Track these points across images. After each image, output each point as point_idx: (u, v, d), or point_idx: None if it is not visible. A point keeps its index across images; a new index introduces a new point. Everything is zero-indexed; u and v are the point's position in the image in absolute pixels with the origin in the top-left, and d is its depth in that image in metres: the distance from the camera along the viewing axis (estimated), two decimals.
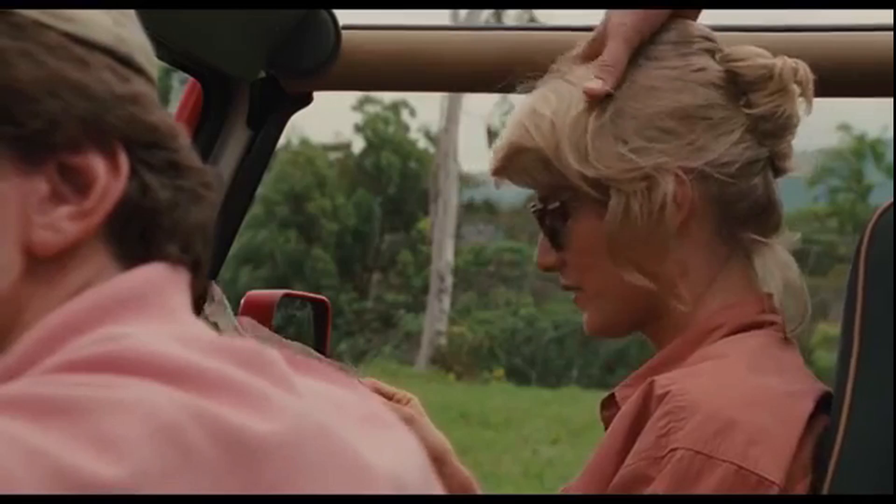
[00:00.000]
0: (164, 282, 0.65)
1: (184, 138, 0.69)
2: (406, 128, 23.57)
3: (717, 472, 1.06)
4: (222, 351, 0.59)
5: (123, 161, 0.64)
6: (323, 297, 1.78)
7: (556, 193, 1.22)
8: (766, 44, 1.25)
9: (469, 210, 22.56)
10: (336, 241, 21.42)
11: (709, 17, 1.28)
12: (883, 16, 1.52)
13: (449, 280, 19.54)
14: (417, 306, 20.64)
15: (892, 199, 1.15)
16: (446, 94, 21.68)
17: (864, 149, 20.70)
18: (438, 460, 1.28)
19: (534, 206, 1.26)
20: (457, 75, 1.54)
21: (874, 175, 20.87)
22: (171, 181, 0.66)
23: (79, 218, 0.63)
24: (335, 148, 23.35)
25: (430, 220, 20.61)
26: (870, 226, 1.14)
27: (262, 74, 1.52)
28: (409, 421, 1.30)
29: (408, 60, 1.53)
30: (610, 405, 1.24)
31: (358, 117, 23.16)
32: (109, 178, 0.64)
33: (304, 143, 22.11)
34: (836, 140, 20.53)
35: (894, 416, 1.09)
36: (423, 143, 23.63)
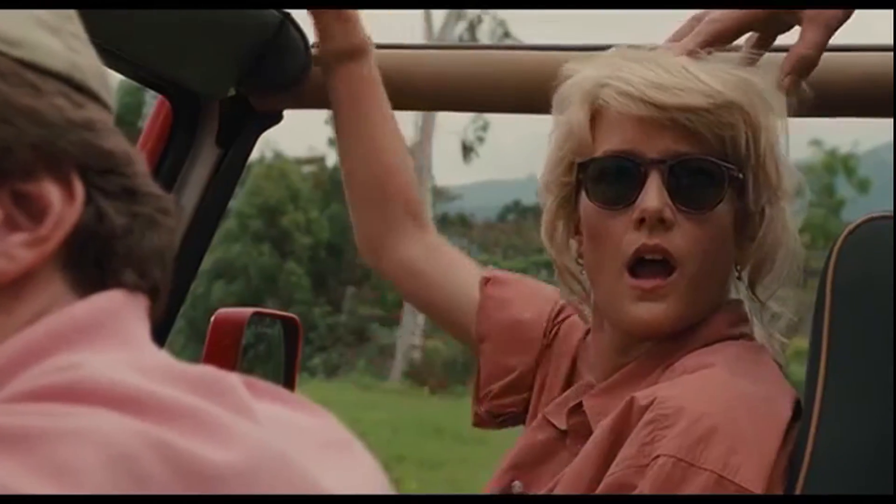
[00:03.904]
0: (120, 309, 0.64)
1: (140, 164, 0.68)
2: None
3: (699, 480, 1.06)
4: (180, 378, 0.59)
5: (78, 187, 0.63)
6: (293, 315, 1.77)
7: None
8: (762, 63, 1.25)
9: (443, 224, 22.57)
10: (310, 254, 21.40)
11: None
12: (882, 30, 1.52)
13: None
14: (391, 320, 20.63)
15: (859, 218, 1.15)
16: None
17: (835, 164, 20.86)
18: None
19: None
20: (429, 94, 1.54)
21: (845, 190, 21.03)
22: (127, 207, 0.65)
23: (33, 245, 0.62)
24: (309, 161, 23.36)
25: None
26: (837, 245, 1.14)
27: (232, 92, 1.51)
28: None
29: (402, 80, 1.52)
30: (577, 412, 1.24)
31: (332, 131, 23.14)
32: (64, 205, 0.63)
33: (278, 156, 22.12)
34: (808, 155, 20.70)
35: (861, 432, 1.10)
36: None
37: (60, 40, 0.66)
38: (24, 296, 0.63)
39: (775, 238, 1.23)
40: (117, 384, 0.56)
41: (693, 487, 1.06)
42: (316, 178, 22.49)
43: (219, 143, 1.54)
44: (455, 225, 23.35)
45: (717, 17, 1.24)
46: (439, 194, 21.59)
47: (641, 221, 1.18)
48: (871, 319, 1.11)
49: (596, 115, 1.22)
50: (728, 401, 1.11)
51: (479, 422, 1.44)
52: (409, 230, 1.44)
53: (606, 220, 1.20)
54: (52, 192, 0.62)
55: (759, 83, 1.21)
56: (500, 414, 1.41)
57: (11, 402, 0.55)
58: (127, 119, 17.47)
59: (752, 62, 1.24)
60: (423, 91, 1.53)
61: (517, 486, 1.27)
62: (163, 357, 0.64)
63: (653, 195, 1.17)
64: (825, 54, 1.25)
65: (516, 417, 1.40)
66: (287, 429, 0.61)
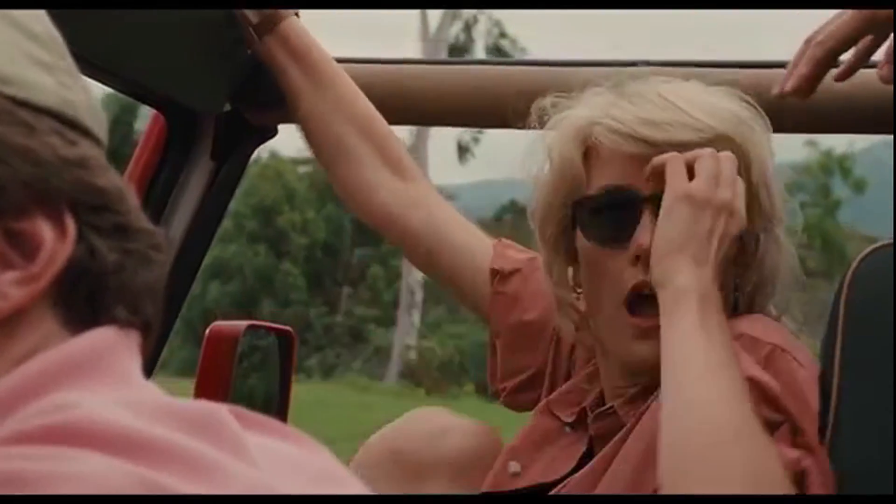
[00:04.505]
0: (112, 346, 0.64)
1: (133, 199, 0.68)
2: None
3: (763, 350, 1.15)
4: (173, 416, 0.59)
5: (70, 225, 0.63)
6: (287, 328, 1.77)
7: None
8: (762, 80, 1.25)
9: None
10: (306, 255, 21.39)
11: (702, 53, 1.28)
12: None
13: (419, 295, 19.55)
14: (387, 321, 20.64)
15: (871, 247, 1.15)
16: None
17: (831, 164, 20.88)
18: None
19: None
20: (423, 109, 1.54)
21: (841, 190, 21.05)
22: (120, 244, 0.65)
23: (25, 283, 0.62)
24: (305, 161, 23.30)
25: None
26: (850, 271, 1.14)
27: (228, 107, 1.51)
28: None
29: (373, 93, 1.53)
30: (606, 416, 1.25)
31: None
32: (56, 243, 0.63)
33: (274, 156, 22.10)
34: (804, 155, 20.72)
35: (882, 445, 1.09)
36: None
37: (53, 77, 0.66)
38: (17, 334, 0.62)
39: (773, 261, 1.24)
40: (111, 426, 0.56)
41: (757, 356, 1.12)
42: (312, 178, 22.47)
43: (214, 157, 1.54)
44: None
45: (821, 39, 1.20)
46: None
47: (638, 258, 1.19)
48: (885, 348, 1.11)
49: (589, 153, 1.23)
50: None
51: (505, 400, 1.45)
52: (387, 181, 1.44)
53: (603, 257, 1.22)
54: (44, 229, 0.62)
55: (748, 114, 1.22)
56: (517, 405, 1.43)
57: (5, 444, 0.55)
58: (123, 119, 17.45)
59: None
60: (416, 105, 1.53)
61: (513, 467, 1.28)
62: (156, 394, 0.64)
63: (647, 232, 1.18)
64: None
65: (532, 408, 1.40)
66: (279, 463, 0.61)
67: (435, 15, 22.54)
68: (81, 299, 0.64)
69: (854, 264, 1.14)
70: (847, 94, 1.34)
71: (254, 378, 1.72)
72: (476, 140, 22.66)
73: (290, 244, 21.17)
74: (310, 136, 1.46)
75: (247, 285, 20.60)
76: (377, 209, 1.44)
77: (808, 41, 1.23)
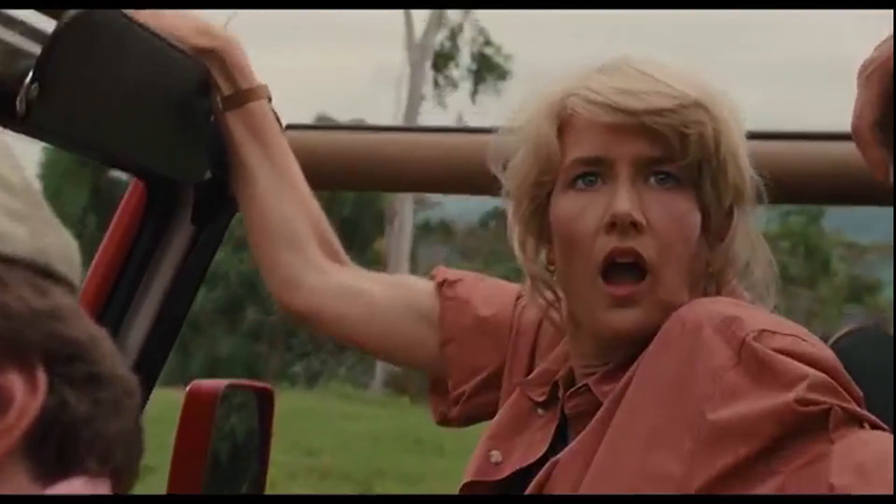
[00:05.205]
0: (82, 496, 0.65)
1: (106, 345, 0.68)
2: None
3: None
4: None
5: (42, 378, 0.63)
6: (267, 386, 1.77)
7: None
8: (762, 151, 1.26)
9: (424, 231, 22.56)
10: None
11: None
12: None
13: None
14: None
15: (847, 328, 1.16)
16: (401, 111, 21.71)
17: None
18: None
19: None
20: (398, 176, 1.55)
21: None
22: (91, 394, 0.65)
23: None
24: None
25: (386, 241, 20.57)
26: None
27: (209, 175, 1.51)
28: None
29: (350, 160, 1.54)
30: (581, 394, 1.23)
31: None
32: (27, 395, 0.63)
33: None
34: None
35: None
36: None
37: (27, 226, 0.66)
38: None
39: (747, 239, 1.25)
40: None
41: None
42: None
43: (194, 221, 1.54)
44: (437, 232, 23.32)
45: (868, 74, 1.12)
46: (420, 202, 21.55)
47: (613, 225, 1.18)
48: None
49: (563, 126, 1.23)
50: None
51: (447, 421, 1.45)
52: (327, 267, 1.46)
53: (578, 225, 1.20)
54: (15, 383, 0.62)
55: (717, 89, 1.23)
56: (473, 415, 1.42)
57: None
58: None
59: None
60: (392, 172, 1.55)
61: (495, 456, 1.27)
62: None
63: (623, 199, 1.17)
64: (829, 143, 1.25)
65: (490, 414, 1.39)
66: None
67: (420, 22, 22.52)
68: (52, 452, 0.64)
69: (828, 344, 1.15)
70: (846, 166, 1.36)
71: (232, 440, 1.72)
72: None
73: None
74: (254, 216, 1.46)
75: (232, 292, 20.52)
76: (309, 297, 1.45)
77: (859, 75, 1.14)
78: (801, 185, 1.44)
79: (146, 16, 1.31)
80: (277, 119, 1.49)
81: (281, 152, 1.47)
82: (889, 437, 1.04)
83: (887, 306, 20.10)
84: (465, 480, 1.28)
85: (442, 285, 1.43)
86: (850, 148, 1.18)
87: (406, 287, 1.47)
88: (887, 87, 1.10)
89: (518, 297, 1.41)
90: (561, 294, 1.28)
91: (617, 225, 1.17)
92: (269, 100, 1.47)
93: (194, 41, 1.39)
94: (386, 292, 1.46)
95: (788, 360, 1.06)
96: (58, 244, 0.68)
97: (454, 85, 23.54)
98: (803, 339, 1.10)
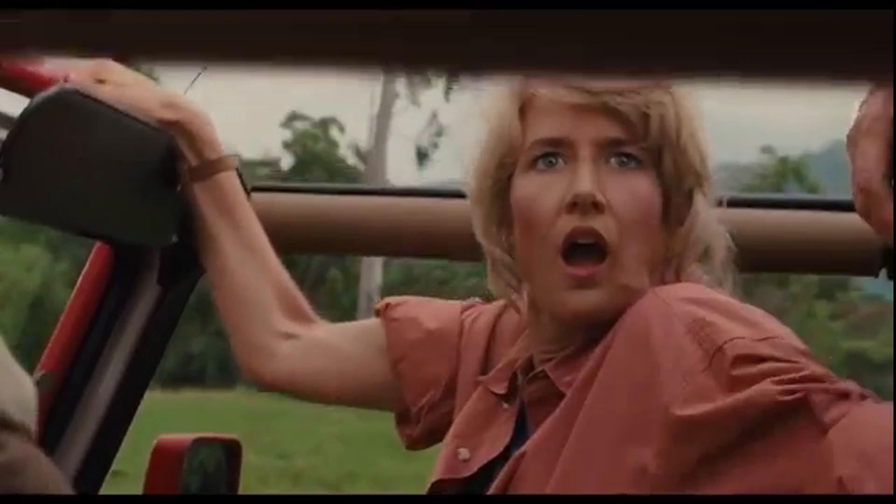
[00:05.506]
0: None
1: (64, 487, 0.69)
2: (335, 144, 23.53)
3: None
4: None
5: None
6: (234, 437, 1.78)
7: None
8: (752, 221, 1.28)
9: None
10: None
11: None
12: None
13: (377, 299, 19.48)
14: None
15: None
16: (375, 109, 21.67)
17: (786, 170, 21.05)
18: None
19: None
20: (363, 239, 1.56)
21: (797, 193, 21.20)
22: None
23: None
24: (264, 164, 23.22)
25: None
26: None
27: (175, 239, 1.51)
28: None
29: (316, 223, 1.55)
30: (538, 380, 1.22)
31: (287, 134, 23.08)
32: None
33: None
34: (763, 161, 20.89)
35: None
36: (352, 160, 23.61)
37: None
38: None
39: (706, 224, 1.23)
40: None
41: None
42: (270, 180, 22.37)
43: (161, 282, 1.55)
44: None
45: (868, 127, 1.04)
46: None
47: (574, 206, 1.17)
48: None
49: (525, 107, 1.22)
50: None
51: (414, 443, 1.44)
52: (295, 331, 1.47)
53: (538, 206, 1.20)
54: None
55: None
56: (436, 429, 1.40)
57: None
58: None
59: None
60: (355, 234, 1.56)
61: (463, 453, 1.27)
62: None
63: (585, 179, 1.17)
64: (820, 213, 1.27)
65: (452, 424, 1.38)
66: None
67: None
68: None
69: None
70: (834, 236, 1.38)
71: (200, 494, 1.72)
72: (436, 145, 22.66)
73: None
74: (221, 285, 1.48)
75: (204, 289, 20.48)
76: (281, 365, 1.46)
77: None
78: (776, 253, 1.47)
79: (111, 91, 1.31)
80: (243, 184, 1.50)
81: (246, 222, 1.48)
82: (881, 408, 1.02)
83: (859, 302, 20.23)
84: (433, 479, 1.27)
85: (385, 310, 1.44)
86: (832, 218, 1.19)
87: (363, 328, 1.48)
88: (891, 137, 1.02)
89: (464, 310, 1.41)
90: (522, 279, 1.26)
91: (578, 205, 1.17)
92: (237, 170, 1.48)
93: (159, 114, 1.40)
94: (350, 340, 1.47)
95: (758, 367, 1.05)
96: (11, 390, 0.69)
97: (428, 82, 23.54)
98: (776, 345, 1.08)
